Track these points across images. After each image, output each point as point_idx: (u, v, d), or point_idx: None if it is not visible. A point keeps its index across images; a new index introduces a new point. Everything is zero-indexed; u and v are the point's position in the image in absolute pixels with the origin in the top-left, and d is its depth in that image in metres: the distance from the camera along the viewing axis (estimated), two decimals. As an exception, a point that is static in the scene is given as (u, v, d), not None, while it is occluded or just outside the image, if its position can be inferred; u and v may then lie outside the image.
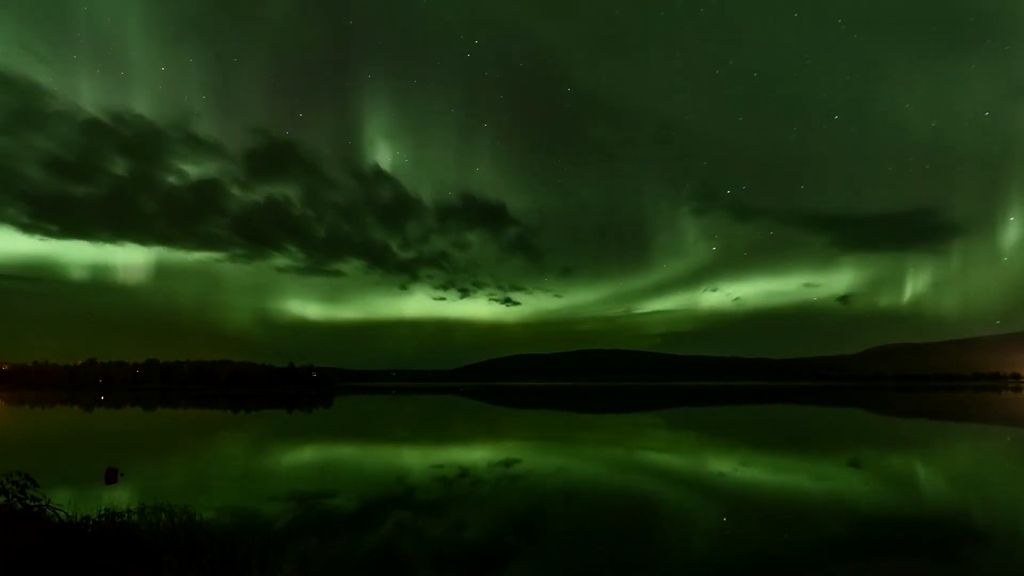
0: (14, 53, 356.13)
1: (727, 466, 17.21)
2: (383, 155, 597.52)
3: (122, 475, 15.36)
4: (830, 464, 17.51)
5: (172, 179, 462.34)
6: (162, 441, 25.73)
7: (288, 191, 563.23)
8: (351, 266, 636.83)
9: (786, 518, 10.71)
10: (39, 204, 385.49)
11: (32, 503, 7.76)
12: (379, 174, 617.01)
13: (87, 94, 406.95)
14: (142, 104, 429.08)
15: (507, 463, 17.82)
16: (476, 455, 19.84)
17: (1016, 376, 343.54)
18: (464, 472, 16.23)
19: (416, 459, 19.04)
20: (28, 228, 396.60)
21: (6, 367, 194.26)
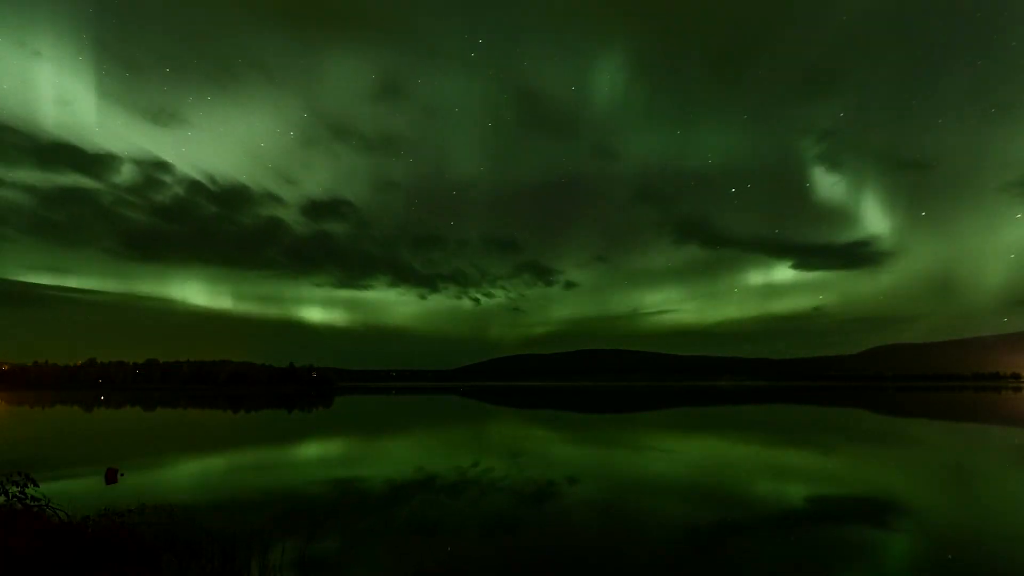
0: (144, 141, 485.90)
1: (726, 464, 17.22)
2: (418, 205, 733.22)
3: (122, 475, 15.36)
4: (833, 463, 17.52)
5: (246, 219, 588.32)
6: (162, 441, 25.72)
7: (337, 228, 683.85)
8: (378, 281, 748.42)
9: (788, 517, 10.71)
10: (133, 238, 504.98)
11: (32, 503, 7.76)
12: (412, 217, 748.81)
13: (197, 165, 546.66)
14: (240, 172, 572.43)
15: (507, 462, 17.81)
16: (478, 453, 19.83)
17: (1016, 376, 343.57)
18: (467, 470, 16.22)
19: (417, 458, 19.03)
20: (118, 255, 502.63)
21: (6, 367, 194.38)
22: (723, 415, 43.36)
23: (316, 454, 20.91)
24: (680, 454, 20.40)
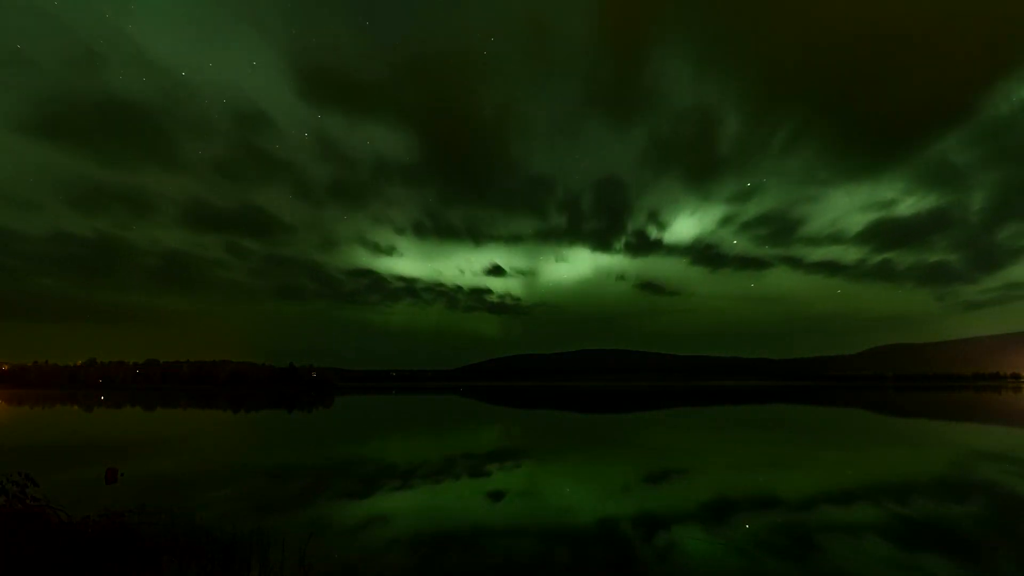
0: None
1: (724, 464, 17.23)
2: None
3: (122, 475, 15.37)
4: (834, 463, 17.53)
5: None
6: (162, 441, 25.73)
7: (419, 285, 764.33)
8: (436, 306, 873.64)
9: (792, 518, 10.72)
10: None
11: (32, 503, 7.76)
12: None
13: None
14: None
15: (508, 462, 17.82)
16: (479, 452, 19.84)
17: (1016, 376, 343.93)
18: (469, 469, 16.23)
19: (418, 457, 19.03)
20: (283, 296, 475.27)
21: (6, 367, 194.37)
22: (722, 415, 43.37)
23: (316, 453, 20.90)
24: (672, 453, 20.41)
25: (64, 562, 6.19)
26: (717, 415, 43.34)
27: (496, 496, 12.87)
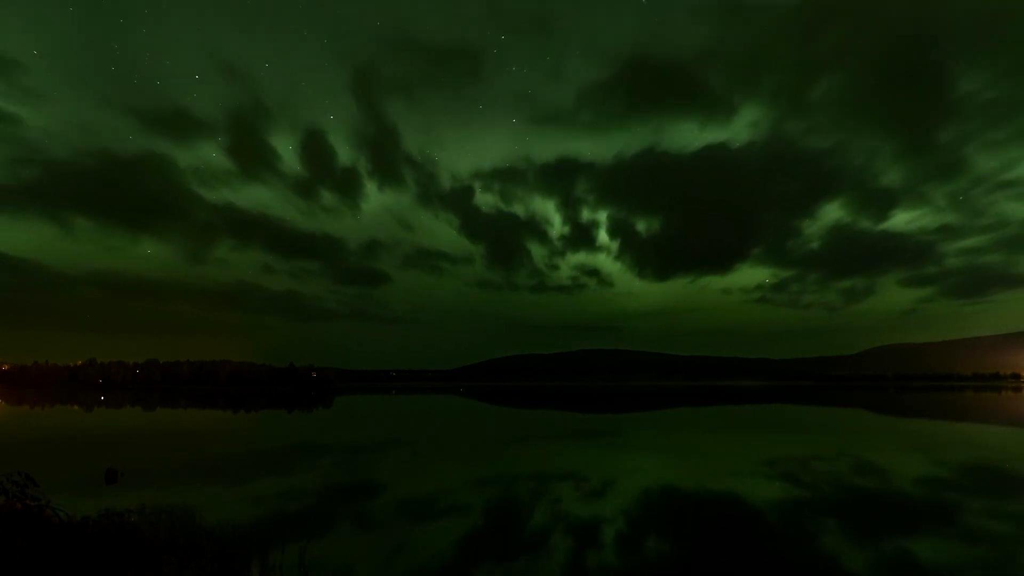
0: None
1: (723, 465, 17.23)
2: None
3: (122, 475, 15.37)
4: (835, 463, 17.54)
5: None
6: (162, 441, 25.73)
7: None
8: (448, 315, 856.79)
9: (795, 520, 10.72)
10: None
11: (32, 503, 7.76)
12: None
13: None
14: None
15: (505, 463, 17.82)
16: (478, 451, 19.84)
17: (1016, 376, 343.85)
18: (467, 469, 16.22)
19: (417, 456, 19.02)
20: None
21: (6, 367, 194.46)
22: (721, 415, 43.37)
23: (315, 454, 20.90)
24: (668, 453, 20.40)
25: (64, 562, 6.19)
26: (716, 415, 43.34)
27: (506, 500, 12.85)
